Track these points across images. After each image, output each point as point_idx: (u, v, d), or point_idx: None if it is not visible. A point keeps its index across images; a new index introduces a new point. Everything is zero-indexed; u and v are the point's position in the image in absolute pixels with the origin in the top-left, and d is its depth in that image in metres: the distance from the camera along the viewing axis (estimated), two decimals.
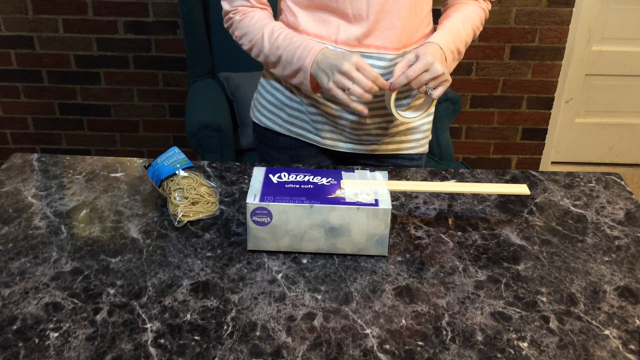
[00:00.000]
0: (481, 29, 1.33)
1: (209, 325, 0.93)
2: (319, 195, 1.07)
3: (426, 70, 1.15)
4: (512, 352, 0.90)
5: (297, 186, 1.09)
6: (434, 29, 1.33)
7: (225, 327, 0.93)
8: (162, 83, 2.75)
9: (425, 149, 1.46)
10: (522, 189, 1.15)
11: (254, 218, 1.06)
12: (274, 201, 1.05)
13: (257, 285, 1.01)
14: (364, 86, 1.13)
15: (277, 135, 1.40)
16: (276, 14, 1.35)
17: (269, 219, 1.06)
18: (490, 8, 1.36)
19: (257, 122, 1.43)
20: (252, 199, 1.05)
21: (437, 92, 1.18)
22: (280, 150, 1.42)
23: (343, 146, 1.38)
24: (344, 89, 1.14)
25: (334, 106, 1.30)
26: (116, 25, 2.62)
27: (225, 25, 1.31)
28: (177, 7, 2.57)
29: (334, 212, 1.05)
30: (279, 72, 1.27)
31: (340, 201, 1.05)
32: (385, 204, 1.06)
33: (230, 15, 1.28)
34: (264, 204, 1.05)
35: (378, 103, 1.30)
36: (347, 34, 1.22)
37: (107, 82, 2.75)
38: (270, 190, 1.08)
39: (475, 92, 2.81)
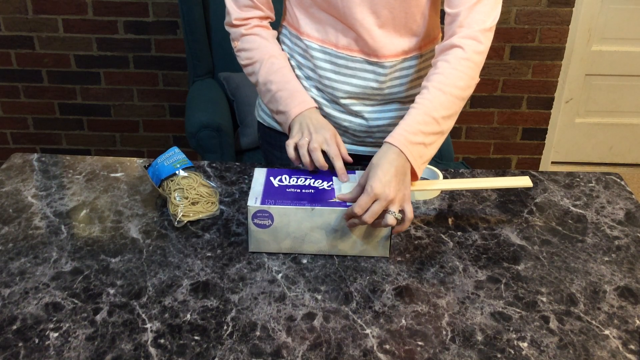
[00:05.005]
0: (472, 80, 1.13)
1: (209, 325, 0.93)
2: (320, 198, 1.07)
3: (375, 200, 1.00)
4: (512, 352, 0.90)
5: (298, 190, 1.09)
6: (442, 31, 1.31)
7: (225, 327, 0.93)
8: (162, 83, 2.75)
9: None
10: (524, 181, 1.15)
11: (255, 221, 1.05)
12: (275, 204, 1.04)
13: (257, 285, 1.01)
14: (311, 147, 1.12)
15: (280, 135, 1.40)
16: (280, 15, 1.35)
17: (270, 221, 1.05)
18: (484, 45, 1.13)
19: (261, 121, 1.43)
20: (254, 201, 1.05)
21: (407, 214, 1.03)
22: (284, 150, 1.42)
23: (346, 147, 1.38)
24: (298, 149, 1.14)
25: (337, 108, 1.30)
26: (116, 25, 2.62)
27: (225, 23, 1.28)
28: (177, 7, 2.57)
29: (335, 214, 1.05)
30: (262, 99, 1.29)
31: (341, 203, 1.05)
32: None
33: (234, 22, 1.26)
34: (265, 207, 1.04)
35: (380, 106, 1.30)
36: (347, 40, 1.22)
37: (107, 82, 2.75)
38: (271, 194, 1.07)
39: (475, 92, 2.81)
